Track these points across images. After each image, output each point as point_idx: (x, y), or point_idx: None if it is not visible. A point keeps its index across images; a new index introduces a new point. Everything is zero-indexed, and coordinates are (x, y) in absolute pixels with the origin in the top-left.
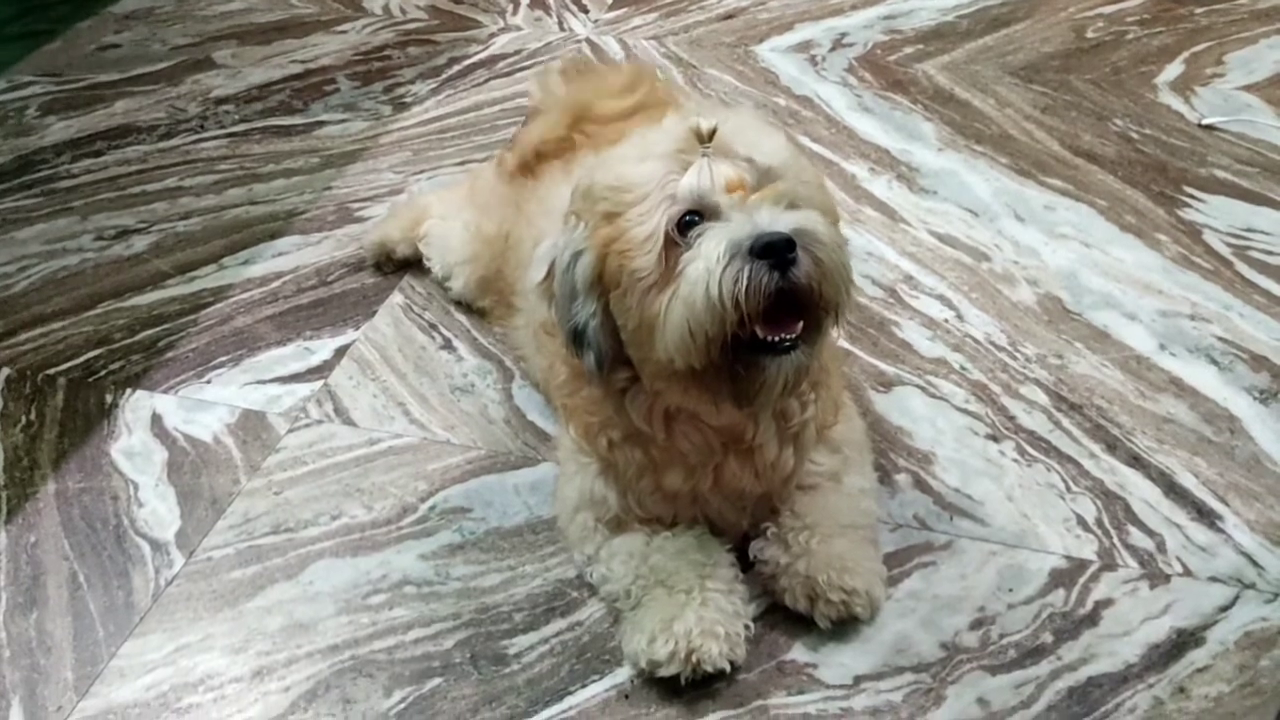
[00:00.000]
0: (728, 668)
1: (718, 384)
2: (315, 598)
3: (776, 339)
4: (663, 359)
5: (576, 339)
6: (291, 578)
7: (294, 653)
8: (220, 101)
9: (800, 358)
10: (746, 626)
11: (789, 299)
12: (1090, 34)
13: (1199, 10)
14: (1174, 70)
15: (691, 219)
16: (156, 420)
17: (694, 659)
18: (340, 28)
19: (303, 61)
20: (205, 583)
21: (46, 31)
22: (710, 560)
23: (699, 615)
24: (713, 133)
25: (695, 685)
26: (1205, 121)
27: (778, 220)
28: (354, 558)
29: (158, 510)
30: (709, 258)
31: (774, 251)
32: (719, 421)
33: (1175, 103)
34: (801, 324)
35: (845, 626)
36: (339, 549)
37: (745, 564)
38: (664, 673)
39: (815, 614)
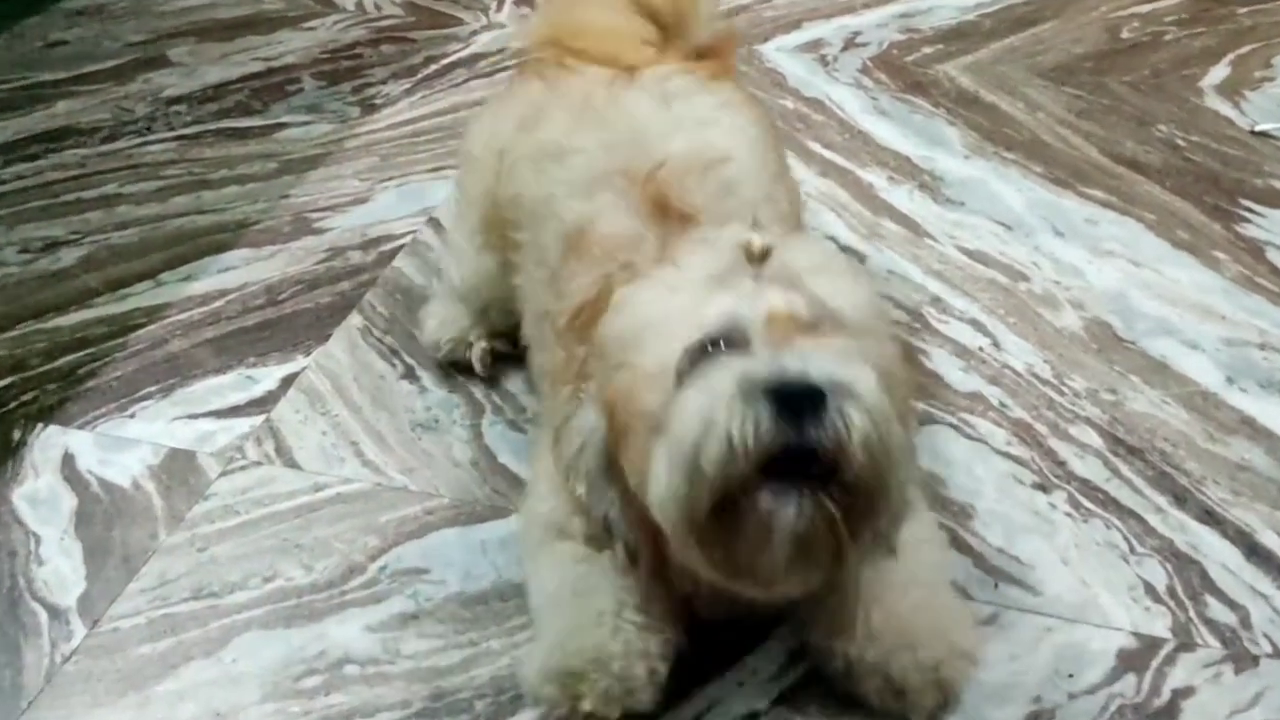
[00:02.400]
0: (614, 715)
1: (715, 544)
2: (238, 680)
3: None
4: (658, 516)
5: (606, 530)
6: (211, 654)
7: None
8: (171, 101)
9: (818, 505)
10: (652, 671)
11: (803, 464)
12: (1125, 34)
13: (1241, 10)
14: (1219, 73)
15: (713, 350)
16: (68, 461)
17: (576, 693)
18: (309, 24)
19: (265, 59)
20: (109, 659)
21: None
22: (645, 589)
23: (598, 642)
24: (766, 252)
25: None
26: (1258, 128)
27: (811, 363)
28: (287, 629)
29: (60, 569)
30: (710, 390)
31: (792, 400)
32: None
33: (1224, 108)
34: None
35: (874, 717)
36: (269, 618)
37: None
38: (539, 697)
39: (908, 711)
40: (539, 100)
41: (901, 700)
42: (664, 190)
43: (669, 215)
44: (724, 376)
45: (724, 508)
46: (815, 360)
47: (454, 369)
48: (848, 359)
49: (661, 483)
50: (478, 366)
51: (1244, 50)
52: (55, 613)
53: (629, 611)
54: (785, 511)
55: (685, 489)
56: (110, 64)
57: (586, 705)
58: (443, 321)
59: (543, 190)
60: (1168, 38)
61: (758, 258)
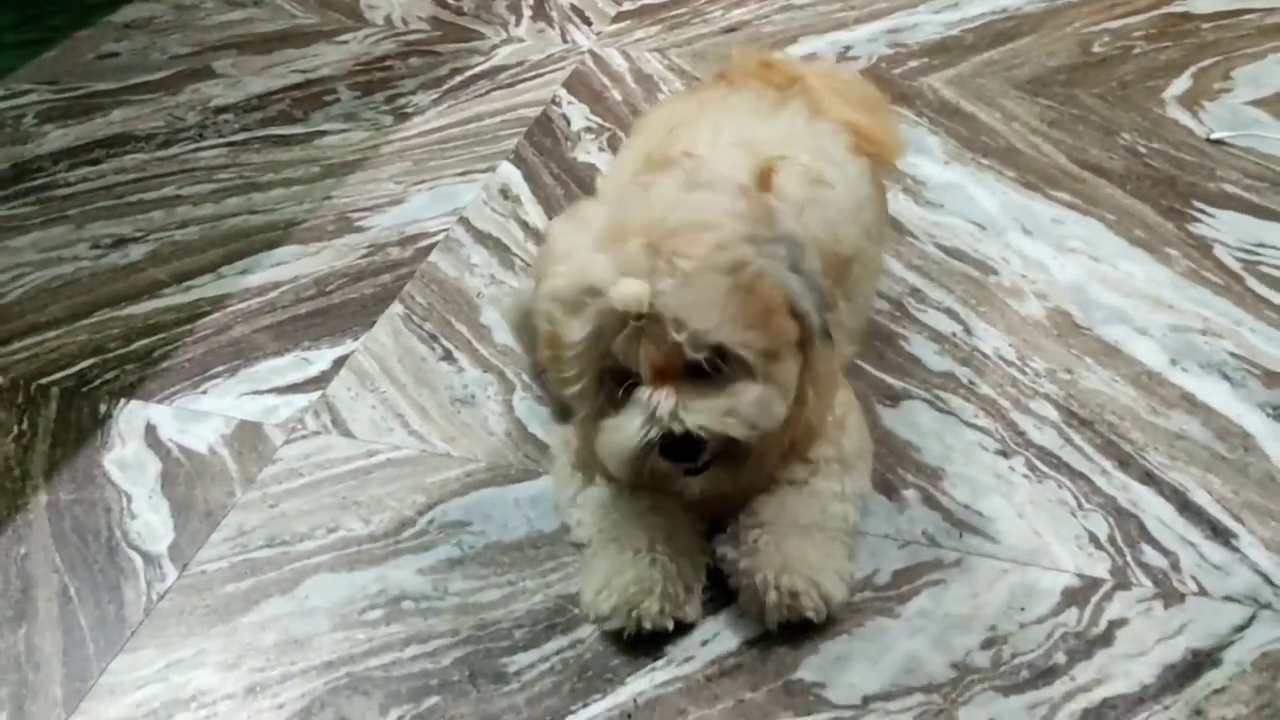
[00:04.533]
0: (669, 626)
1: (652, 484)
2: (310, 613)
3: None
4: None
5: (537, 376)
6: (286, 592)
7: (288, 669)
8: (220, 110)
9: (718, 473)
10: (689, 589)
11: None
12: (1096, 48)
13: (1205, 25)
14: (1181, 85)
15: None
16: (151, 431)
17: (634, 615)
18: (341, 38)
19: (303, 71)
20: (198, 597)
21: (45, 40)
22: (668, 524)
23: (641, 574)
24: (641, 317)
25: (640, 643)
26: (1214, 136)
27: (682, 414)
28: (350, 572)
29: (151, 522)
30: (618, 444)
31: (677, 453)
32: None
33: (1183, 117)
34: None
35: (854, 644)
36: (335, 563)
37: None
38: (609, 626)
39: (765, 618)
40: (716, 97)
41: (758, 609)
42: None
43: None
44: (623, 435)
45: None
46: (691, 419)
47: None
48: (721, 398)
49: (604, 457)
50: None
51: (1205, 63)
52: (149, 559)
53: (661, 544)
54: (692, 482)
55: (622, 471)
56: (160, 75)
57: (647, 624)
58: None
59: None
60: (1136, 51)
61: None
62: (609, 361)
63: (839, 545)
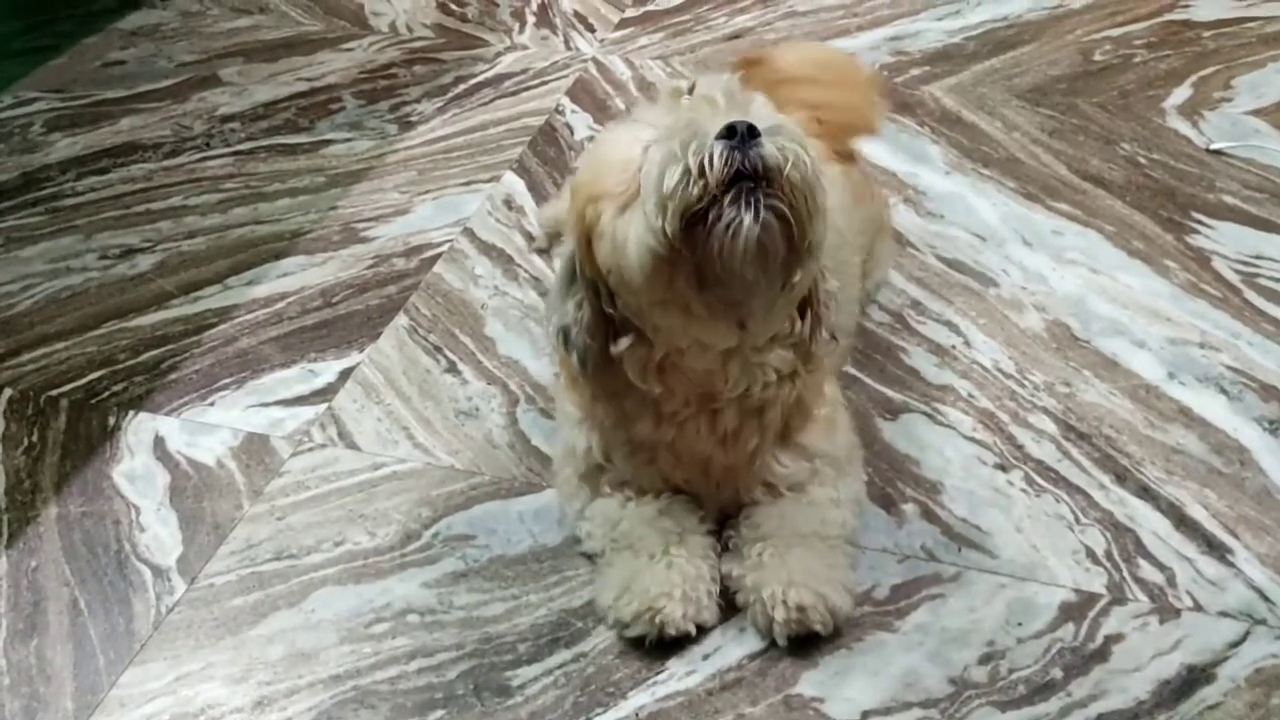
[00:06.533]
0: (692, 630)
1: (690, 269)
2: (317, 626)
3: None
4: (635, 268)
5: (563, 340)
6: (294, 605)
7: (295, 683)
8: (226, 119)
9: (770, 206)
10: (709, 592)
11: (752, 182)
12: (1097, 57)
13: (1206, 34)
14: (1182, 94)
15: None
16: (159, 443)
17: (656, 620)
18: (346, 45)
19: (309, 79)
20: (207, 610)
21: (52, 47)
22: (679, 528)
23: (659, 578)
24: (693, 86)
25: (661, 649)
26: (1214, 146)
27: (746, 110)
28: (357, 585)
29: (159, 535)
30: (668, 134)
31: (734, 132)
32: (703, 363)
33: (1183, 127)
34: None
35: (853, 658)
36: (342, 576)
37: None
38: (631, 633)
39: (773, 633)
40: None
41: (766, 624)
42: None
43: None
44: (675, 122)
45: (692, 229)
46: (749, 108)
47: None
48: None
49: (637, 229)
50: None
51: (1206, 72)
52: (158, 571)
53: (674, 548)
54: (745, 213)
55: (657, 217)
56: (167, 83)
57: (671, 630)
58: None
59: None
60: (1136, 60)
61: (687, 91)
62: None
63: (840, 554)
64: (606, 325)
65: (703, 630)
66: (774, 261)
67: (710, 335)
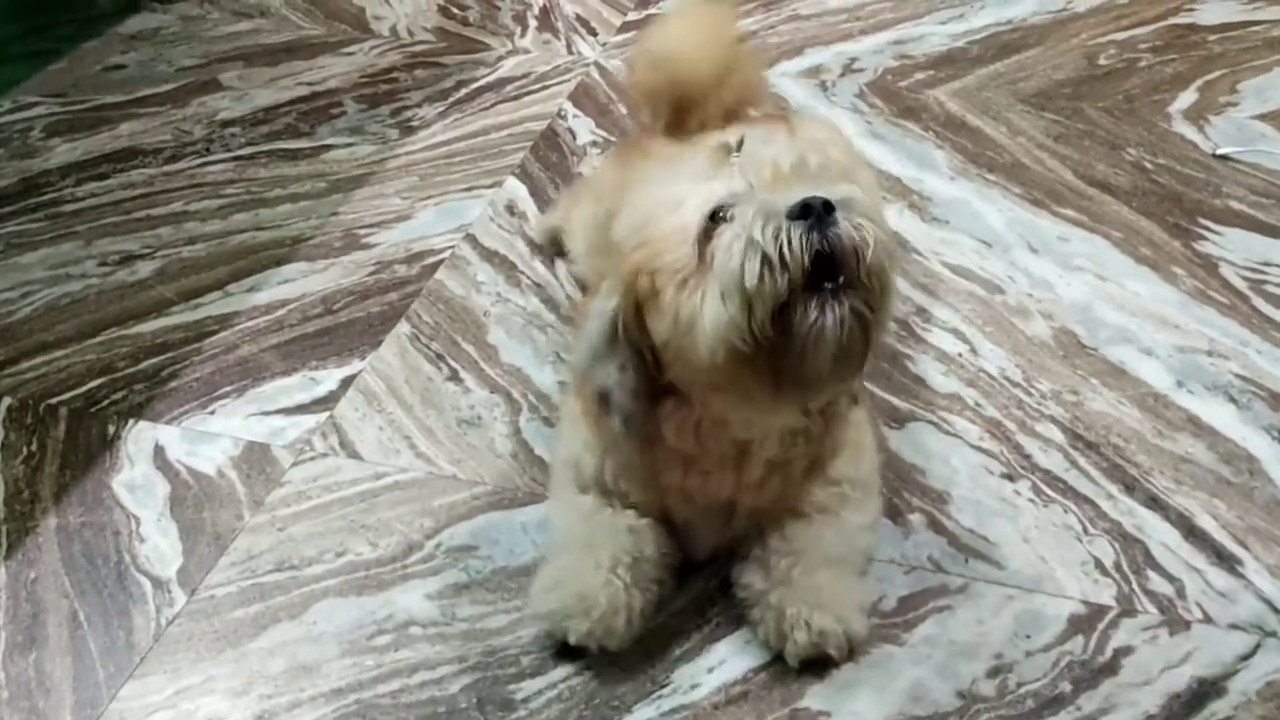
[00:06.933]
0: (591, 648)
1: (765, 366)
2: (319, 638)
3: (824, 286)
4: (704, 355)
5: (605, 403)
6: (295, 617)
7: (297, 696)
8: (226, 124)
9: (852, 307)
10: (628, 622)
11: (831, 273)
12: (1102, 61)
13: (1212, 37)
14: (1187, 99)
15: (725, 210)
16: (159, 452)
17: (563, 625)
18: (348, 49)
19: (309, 84)
20: (207, 622)
21: (51, 51)
22: (636, 552)
23: (590, 588)
24: (740, 143)
25: (568, 654)
26: (1220, 151)
27: (813, 190)
28: (359, 597)
29: (159, 546)
30: (743, 221)
31: (810, 211)
32: (749, 434)
33: (1189, 132)
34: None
35: (860, 672)
36: (343, 588)
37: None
38: (538, 626)
39: (785, 652)
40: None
41: (782, 643)
42: None
43: None
44: (748, 210)
45: (772, 324)
46: (816, 184)
47: None
48: (841, 181)
49: (712, 315)
50: None
51: (1212, 76)
52: (158, 583)
53: (622, 568)
54: (830, 315)
55: (739, 312)
56: (167, 88)
57: (570, 639)
58: None
59: None
60: (1142, 64)
61: (736, 149)
62: (711, 200)
63: (861, 579)
64: (650, 388)
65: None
66: (855, 360)
67: (769, 417)
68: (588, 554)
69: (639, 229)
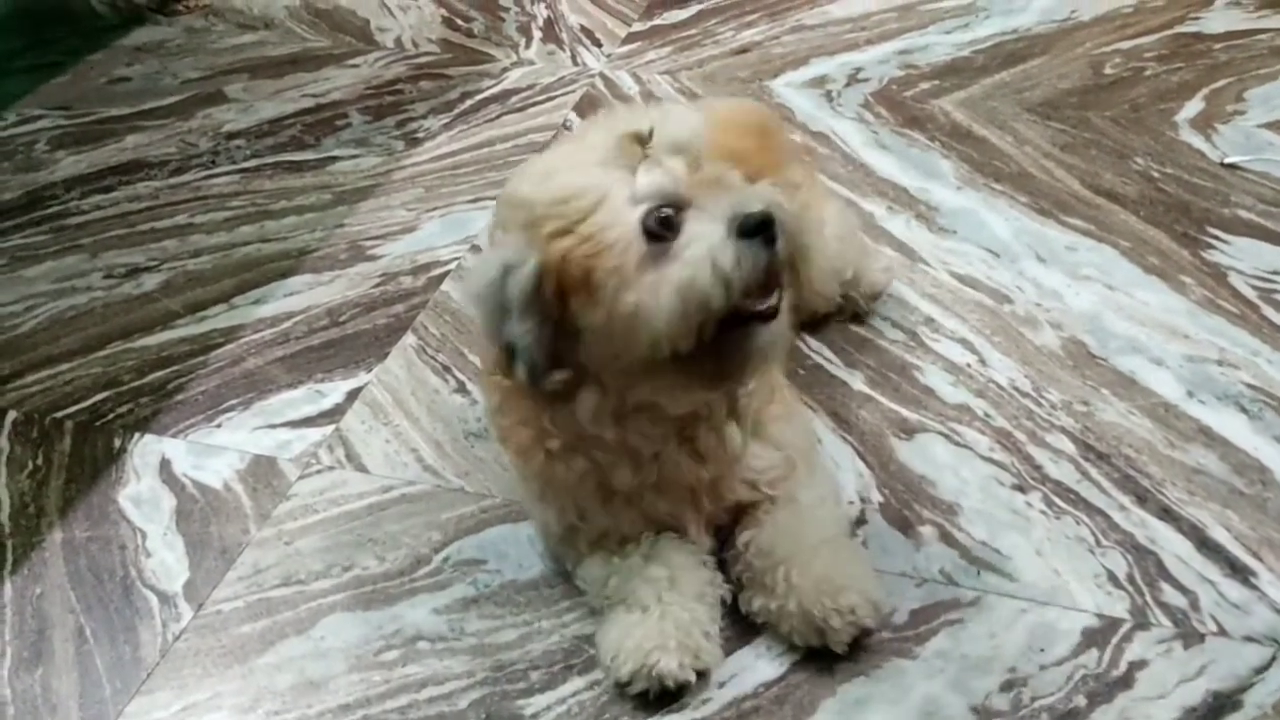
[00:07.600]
0: (691, 678)
1: (702, 365)
2: (326, 654)
3: (764, 308)
4: (644, 350)
5: (508, 353)
6: (302, 632)
7: (304, 712)
8: (231, 136)
9: (783, 326)
10: (707, 634)
11: (773, 276)
12: (1108, 70)
13: (1217, 46)
14: (1194, 107)
15: (664, 212)
16: (165, 466)
17: (653, 675)
18: (352, 61)
19: (315, 96)
20: (214, 637)
21: (55, 64)
22: (669, 571)
23: (651, 632)
24: (651, 132)
25: (666, 699)
26: (1227, 160)
27: (751, 200)
28: (366, 611)
29: (166, 560)
30: (709, 241)
31: (761, 229)
32: (680, 410)
33: (1196, 141)
34: (779, 293)
35: (872, 686)
36: (351, 602)
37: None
38: (632, 691)
39: (829, 644)
40: None
41: (822, 637)
42: None
43: None
44: (710, 228)
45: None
46: (751, 196)
47: None
48: (768, 185)
49: (663, 314)
50: None
51: (1218, 85)
52: (164, 598)
53: (665, 595)
54: (772, 327)
55: (698, 316)
56: (172, 100)
57: (669, 683)
58: None
59: None
60: (1147, 73)
61: (646, 140)
62: (647, 204)
63: (853, 546)
64: (551, 364)
65: (701, 674)
66: (784, 350)
67: (675, 405)
68: (630, 608)
69: (558, 207)
